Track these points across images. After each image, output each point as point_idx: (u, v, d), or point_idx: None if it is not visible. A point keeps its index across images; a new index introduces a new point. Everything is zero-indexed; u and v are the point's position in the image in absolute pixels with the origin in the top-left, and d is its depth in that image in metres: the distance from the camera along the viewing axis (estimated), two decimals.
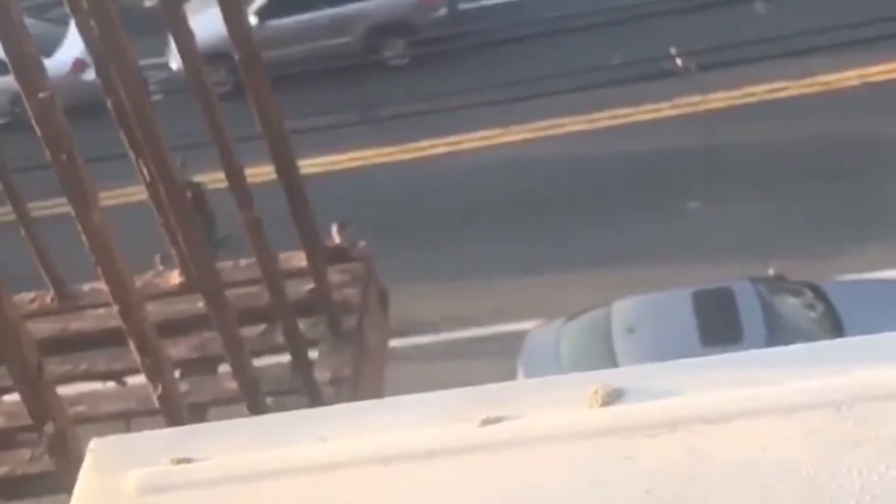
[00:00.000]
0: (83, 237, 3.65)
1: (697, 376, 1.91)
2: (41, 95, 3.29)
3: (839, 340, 1.90)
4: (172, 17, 4.27)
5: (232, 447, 2.03)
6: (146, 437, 2.13)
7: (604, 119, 16.99)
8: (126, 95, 3.82)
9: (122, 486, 1.96)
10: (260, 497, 1.91)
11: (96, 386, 5.93)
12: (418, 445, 1.91)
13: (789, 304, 12.86)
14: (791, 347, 1.95)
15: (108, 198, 15.25)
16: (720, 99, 16.85)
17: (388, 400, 2.16)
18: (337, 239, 14.62)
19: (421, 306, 14.78)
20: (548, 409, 1.94)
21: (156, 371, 3.87)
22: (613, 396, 1.92)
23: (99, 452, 2.07)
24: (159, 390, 3.89)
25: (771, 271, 13.57)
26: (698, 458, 1.77)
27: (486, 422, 1.96)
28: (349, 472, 1.90)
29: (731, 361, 1.94)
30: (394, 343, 13.56)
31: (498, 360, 12.89)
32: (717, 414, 1.81)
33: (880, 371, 1.78)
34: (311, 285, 5.39)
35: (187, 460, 2.01)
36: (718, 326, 12.28)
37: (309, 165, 16.68)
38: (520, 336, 13.53)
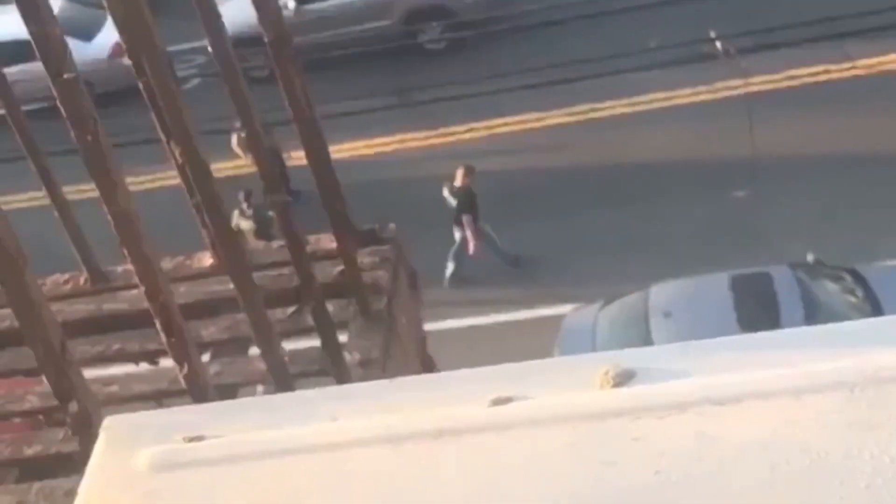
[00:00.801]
0: (109, 218, 3.67)
1: (709, 358, 1.90)
2: (66, 76, 3.30)
3: (854, 322, 1.87)
4: (201, 1, 4.28)
5: (244, 426, 2.04)
6: (160, 415, 2.15)
7: (643, 103, 16.91)
8: (153, 79, 3.84)
9: (133, 464, 1.98)
10: (270, 474, 1.91)
11: (130, 367, 5.97)
12: (427, 425, 1.91)
13: (828, 289, 12.75)
14: (805, 329, 1.93)
15: (153, 180, 15.47)
16: (761, 83, 16.70)
17: (399, 380, 2.16)
18: (459, 182, 15.41)
19: (458, 289, 14.81)
20: (558, 390, 1.93)
21: (181, 351, 3.89)
22: (624, 377, 1.91)
23: (112, 431, 2.08)
24: (185, 370, 3.91)
25: (810, 256, 13.46)
26: (707, 439, 1.76)
27: (496, 402, 1.96)
28: (358, 451, 1.90)
29: (742, 343, 1.92)
30: (430, 327, 13.63)
31: (535, 343, 12.88)
32: (728, 395, 1.80)
33: (893, 354, 1.75)
34: (340, 267, 5.39)
35: (199, 438, 2.02)
36: (756, 311, 12.20)
37: (345, 149, 16.76)
38: (557, 320, 13.52)
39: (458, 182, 15.13)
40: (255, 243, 15.55)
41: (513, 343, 13.14)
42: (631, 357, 1.96)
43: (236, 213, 15.45)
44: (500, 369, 2.04)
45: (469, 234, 15.18)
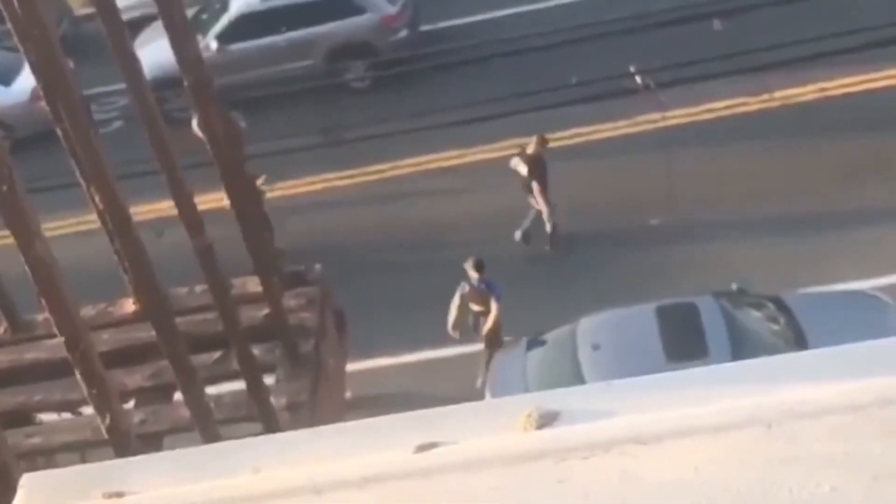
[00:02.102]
0: (26, 268, 3.61)
1: (631, 397, 1.91)
2: None
3: (769, 358, 1.90)
4: (117, 44, 4.24)
5: (165, 480, 2.00)
6: (79, 472, 2.10)
7: (565, 138, 17.06)
8: (70, 124, 3.79)
9: None
10: None
11: (52, 417, 5.86)
12: (351, 474, 1.89)
13: (752, 318, 12.92)
14: (723, 366, 1.95)
15: (80, 223, 15.24)
16: (680, 116, 16.97)
17: (323, 428, 2.14)
18: (532, 149, 15.37)
19: (386, 328, 14.76)
20: (482, 434, 1.92)
21: (103, 401, 3.83)
22: (548, 419, 1.91)
23: (30, 489, 2.03)
24: (107, 420, 3.84)
25: (734, 285, 13.64)
26: (631, 479, 1.77)
27: (421, 448, 1.95)
28: (281, 502, 1.88)
29: (664, 381, 1.93)
30: (358, 366, 13.57)
31: (465, 381, 12.87)
32: (650, 434, 1.81)
33: (809, 389, 1.78)
34: (266, 310, 5.35)
35: (119, 494, 1.99)
36: (683, 342, 12.31)
37: (270, 189, 16.69)
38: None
39: (530, 150, 15.35)
40: None
41: (441, 382, 13.13)
42: (554, 398, 1.96)
43: None
44: (425, 414, 2.03)
45: (541, 201, 15.46)
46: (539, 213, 15.61)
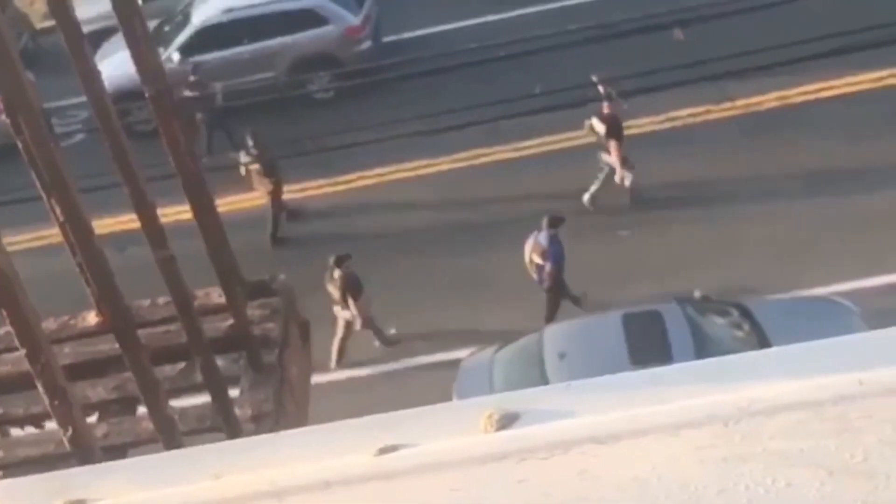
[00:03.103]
0: None
1: (590, 397, 1.92)
2: None
3: (726, 357, 1.92)
4: (76, 55, 4.22)
5: (127, 487, 2.00)
6: (40, 480, 2.09)
7: (531, 147, 17.15)
8: (30, 137, 3.77)
9: None
10: None
11: (16, 431, 5.81)
12: (313, 477, 1.90)
13: (717, 324, 13.02)
14: (682, 365, 1.98)
15: (40, 238, 15.14)
16: (644, 124, 17.08)
17: (285, 433, 2.14)
18: (607, 109, 15.60)
19: (354, 338, 14.75)
20: (444, 436, 1.93)
21: (66, 413, 3.80)
22: (508, 420, 1.92)
23: None
24: (70, 432, 3.82)
25: (697, 292, 13.75)
26: (590, 478, 1.78)
27: (383, 451, 1.95)
28: None
29: (623, 381, 1.95)
30: (327, 377, 13.56)
31: (432, 389, 12.88)
32: (609, 434, 1.82)
33: (765, 386, 1.80)
34: (230, 321, 5.32)
35: (80, 501, 1.98)
36: (648, 348, 12.39)
37: (236, 202, 16.66)
38: (454, 365, 13.55)
39: (606, 109, 15.72)
40: (261, 183, 16.36)
41: (408, 392, 13.13)
42: (515, 399, 1.97)
43: (242, 153, 16.68)
44: (387, 417, 2.04)
45: (615, 159, 15.78)
46: (609, 174, 16.00)
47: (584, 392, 1.92)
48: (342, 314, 14.56)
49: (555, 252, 14.26)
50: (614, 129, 15.78)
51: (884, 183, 15.35)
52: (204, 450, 2.04)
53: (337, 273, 14.41)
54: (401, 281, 15.34)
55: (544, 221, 14.36)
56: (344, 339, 14.67)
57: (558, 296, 14.40)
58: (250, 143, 16.63)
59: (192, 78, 18.04)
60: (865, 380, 1.75)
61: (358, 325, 14.57)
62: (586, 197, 16.06)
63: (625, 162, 15.92)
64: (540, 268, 14.41)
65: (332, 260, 14.47)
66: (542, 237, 14.37)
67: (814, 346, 1.84)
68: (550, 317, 14.23)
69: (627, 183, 16.04)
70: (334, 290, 14.43)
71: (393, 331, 14.84)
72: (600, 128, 15.88)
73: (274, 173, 16.63)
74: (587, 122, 15.96)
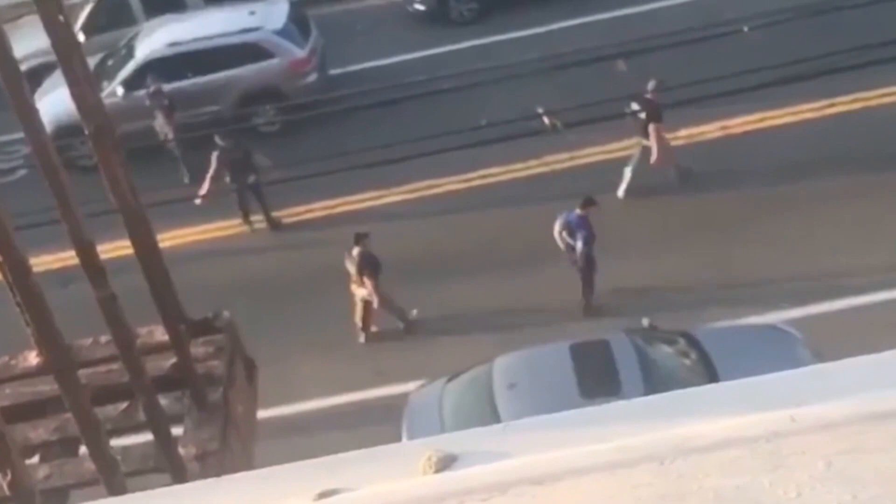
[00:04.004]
0: None
1: (528, 437, 1.93)
2: None
3: (663, 395, 1.93)
4: (14, 93, 4.18)
5: None
6: None
7: (476, 178, 17.20)
8: None
9: None
10: None
11: None
12: None
13: (664, 353, 13.10)
14: (617, 403, 1.99)
15: None
16: (589, 154, 17.20)
17: (226, 478, 2.12)
18: (649, 95, 15.91)
19: (299, 373, 14.66)
20: (383, 479, 1.93)
21: (4, 456, 3.74)
22: (446, 462, 1.92)
23: None
24: (9, 476, 3.75)
25: (645, 321, 13.82)
26: None
27: (322, 495, 1.94)
28: None
29: (560, 421, 1.96)
30: (274, 412, 13.45)
31: (381, 424, 12.82)
32: (546, 474, 1.83)
33: (699, 424, 1.82)
34: (174, 360, 5.27)
35: None
36: (597, 379, 12.43)
37: (179, 236, 16.56)
38: (402, 398, 13.49)
39: (648, 95, 16.00)
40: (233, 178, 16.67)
41: (356, 427, 13.06)
42: (453, 441, 1.97)
43: (215, 154, 16.88)
44: (327, 461, 2.03)
45: (654, 142, 16.01)
46: (641, 161, 16.32)
47: (521, 432, 1.92)
48: (359, 291, 14.89)
49: (583, 233, 14.74)
50: (654, 113, 16.14)
51: (815, 213, 15.58)
52: (145, 496, 2.01)
53: (355, 250, 14.74)
54: (347, 312, 15.29)
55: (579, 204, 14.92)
56: (365, 316, 14.99)
57: (592, 275, 14.88)
58: (219, 139, 16.94)
59: (165, 102, 18.19)
60: (797, 416, 1.76)
61: (375, 304, 14.82)
62: (621, 190, 16.46)
63: (663, 144, 16.41)
64: (570, 247, 14.94)
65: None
66: (572, 217, 14.87)
67: (747, 382, 1.86)
68: (587, 296, 14.91)
69: (625, 184, 16.49)
70: (351, 267, 14.81)
71: (414, 312, 15.06)
72: (640, 112, 16.32)
73: (249, 165, 16.98)
74: (630, 106, 16.28)
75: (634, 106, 16.24)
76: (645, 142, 16.41)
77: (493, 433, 1.95)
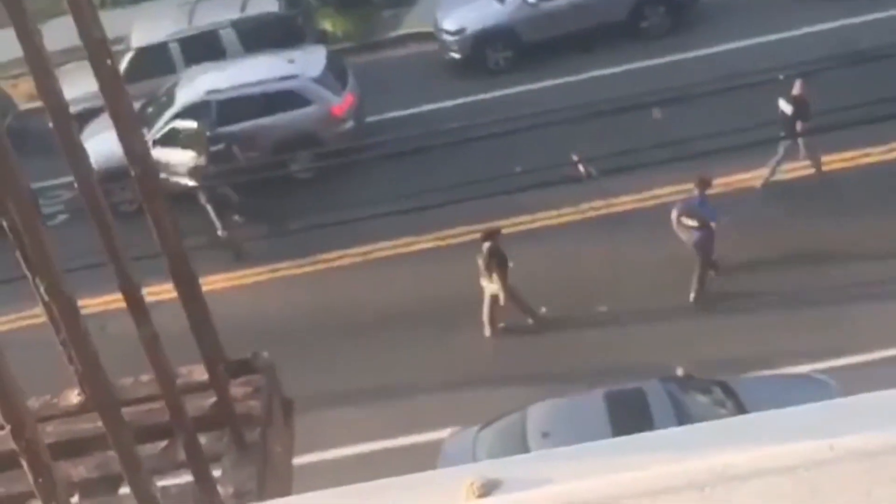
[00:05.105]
0: None
1: (570, 464, 1.96)
2: None
3: (701, 424, 1.97)
4: (64, 136, 4.29)
5: None
6: None
7: (511, 225, 17.24)
8: (18, 218, 3.81)
9: None
10: None
11: None
12: None
13: (700, 402, 13.03)
14: (658, 432, 2.02)
15: (20, 318, 15.10)
16: (624, 202, 17.22)
17: None
18: (797, 90, 16.20)
19: (333, 419, 14.68)
20: None
21: (49, 491, 3.79)
22: (489, 487, 1.96)
23: None
24: None
25: (680, 370, 13.77)
26: None
27: None
28: None
29: (602, 448, 1.99)
30: (306, 458, 13.46)
31: (413, 471, 12.77)
32: (588, 501, 1.86)
33: (739, 452, 1.85)
34: (213, 399, 5.32)
35: None
36: (631, 427, 12.31)
37: (219, 280, 16.68)
38: (435, 445, 13.48)
39: (795, 91, 16.30)
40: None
41: (389, 473, 13.02)
42: (496, 467, 2.01)
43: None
44: (368, 487, 2.07)
45: (802, 145, 16.48)
46: (785, 157, 16.65)
47: (564, 459, 1.95)
48: (488, 287, 15.25)
49: (708, 212, 15.24)
50: (802, 111, 16.37)
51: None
52: None
53: (485, 246, 15.08)
54: (381, 358, 15.32)
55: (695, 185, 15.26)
56: (492, 311, 15.30)
57: (710, 258, 15.36)
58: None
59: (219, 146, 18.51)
60: (836, 445, 1.79)
61: (501, 300, 15.15)
62: (768, 180, 16.85)
63: (809, 146, 16.72)
64: (692, 230, 15.36)
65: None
66: (694, 201, 15.33)
67: (785, 412, 1.89)
68: (701, 282, 15.39)
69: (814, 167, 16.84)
70: (481, 263, 15.19)
71: (543, 310, 15.22)
72: (787, 108, 16.51)
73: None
74: (779, 103, 16.53)
75: (783, 104, 16.49)
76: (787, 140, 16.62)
77: (536, 459, 1.99)
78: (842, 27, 19.66)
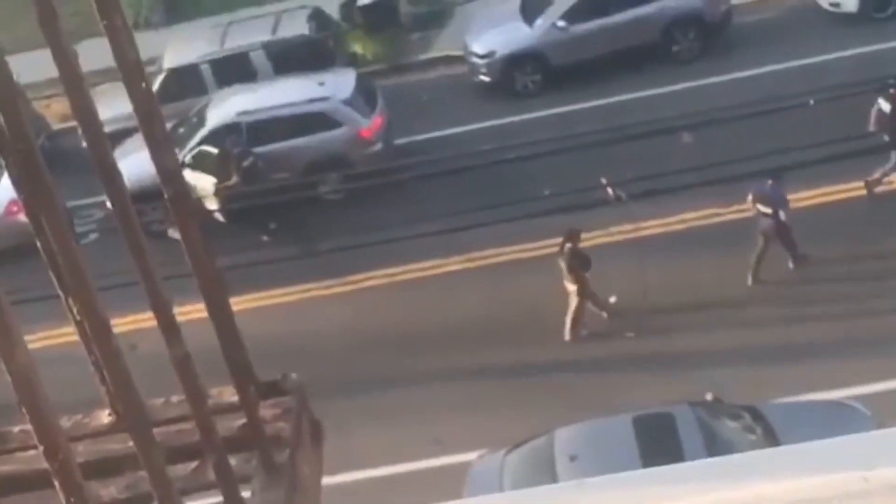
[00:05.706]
0: (7, 377, 3.63)
1: (603, 494, 1.96)
2: None
3: (733, 456, 1.96)
4: (99, 156, 4.33)
5: None
6: None
7: (539, 248, 17.23)
8: (53, 237, 3.84)
9: None
10: None
11: None
12: None
13: (729, 428, 12.94)
14: (688, 464, 2.02)
15: (49, 337, 15.20)
16: (653, 226, 17.18)
17: None
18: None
19: (361, 439, 14.67)
20: None
21: None
22: None
23: None
24: None
25: (709, 395, 13.68)
26: None
27: None
28: None
29: (634, 479, 1.99)
30: (335, 479, 13.47)
31: (440, 493, 12.77)
32: None
33: (772, 483, 1.84)
34: (242, 420, 5.34)
35: None
36: (660, 452, 12.29)
37: (249, 300, 16.74)
38: (462, 468, 13.45)
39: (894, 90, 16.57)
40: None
41: (416, 495, 13.03)
42: (528, 497, 2.01)
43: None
44: None
45: None
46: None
47: (596, 490, 1.95)
48: (571, 287, 15.46)
49: (781, 197, 15.57)
50: None
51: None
52: None
53: (567, 247, 15.27)
54: (408, 380, 15.33)
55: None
56: (576, 312, 15.50)
57: (790, 235, 15.72)
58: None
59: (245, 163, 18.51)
60: (870, 477, 1.78)
61: (575, 301, 15.43)
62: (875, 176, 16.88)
63: None
64: (766, 216, 15.73)
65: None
66: (768, 189, 15.62)
67: (820, 444, 1.88)
68: (793, 251, 15.85)
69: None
70: (563, 264, 15.41)
71: (613, 299, 15.64)
72: (886, 106, 16.59)
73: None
74: (878, 102, 16.60)
75: (882, 103, 16.53)
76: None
77: (570, 490, 1.99)
78: (875, 52, 19.59)
